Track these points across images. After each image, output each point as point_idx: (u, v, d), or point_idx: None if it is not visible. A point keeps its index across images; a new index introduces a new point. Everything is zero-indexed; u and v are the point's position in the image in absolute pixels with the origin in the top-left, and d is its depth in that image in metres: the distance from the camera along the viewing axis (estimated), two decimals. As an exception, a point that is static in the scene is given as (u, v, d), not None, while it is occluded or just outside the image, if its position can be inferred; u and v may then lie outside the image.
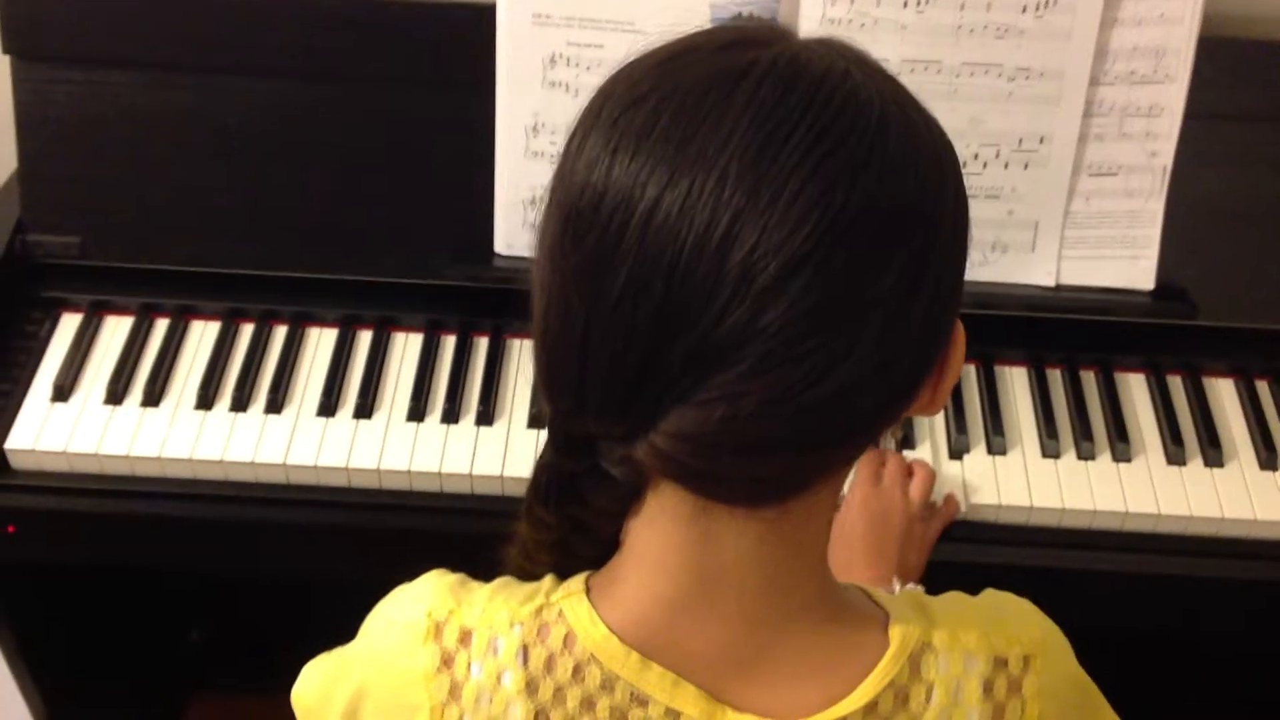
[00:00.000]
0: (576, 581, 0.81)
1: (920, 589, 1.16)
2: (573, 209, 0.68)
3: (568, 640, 0.78)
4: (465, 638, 0.80)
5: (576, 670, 0.78)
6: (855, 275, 0.66)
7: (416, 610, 0.82)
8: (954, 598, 0.88)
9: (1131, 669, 1.91)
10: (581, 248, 0.68)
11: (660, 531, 0.76)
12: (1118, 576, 1.37)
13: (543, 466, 0.79)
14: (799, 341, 0.65)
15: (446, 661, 0.80)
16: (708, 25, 1.32)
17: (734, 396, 0.66)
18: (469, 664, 0.79)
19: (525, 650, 0.78)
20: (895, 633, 0.80)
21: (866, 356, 0.67)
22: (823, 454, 0.72)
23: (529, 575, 0.84)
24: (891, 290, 0.67)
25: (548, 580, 0.82)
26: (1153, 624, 1.62)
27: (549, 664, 0.78)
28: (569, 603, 0.79)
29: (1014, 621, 0.86)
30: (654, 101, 0.67)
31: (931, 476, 1.35)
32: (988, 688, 0.81)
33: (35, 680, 1.62)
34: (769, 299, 0.64)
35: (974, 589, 0.92)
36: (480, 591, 0.83)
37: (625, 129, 0.68)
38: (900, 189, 0.68)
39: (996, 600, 0.89)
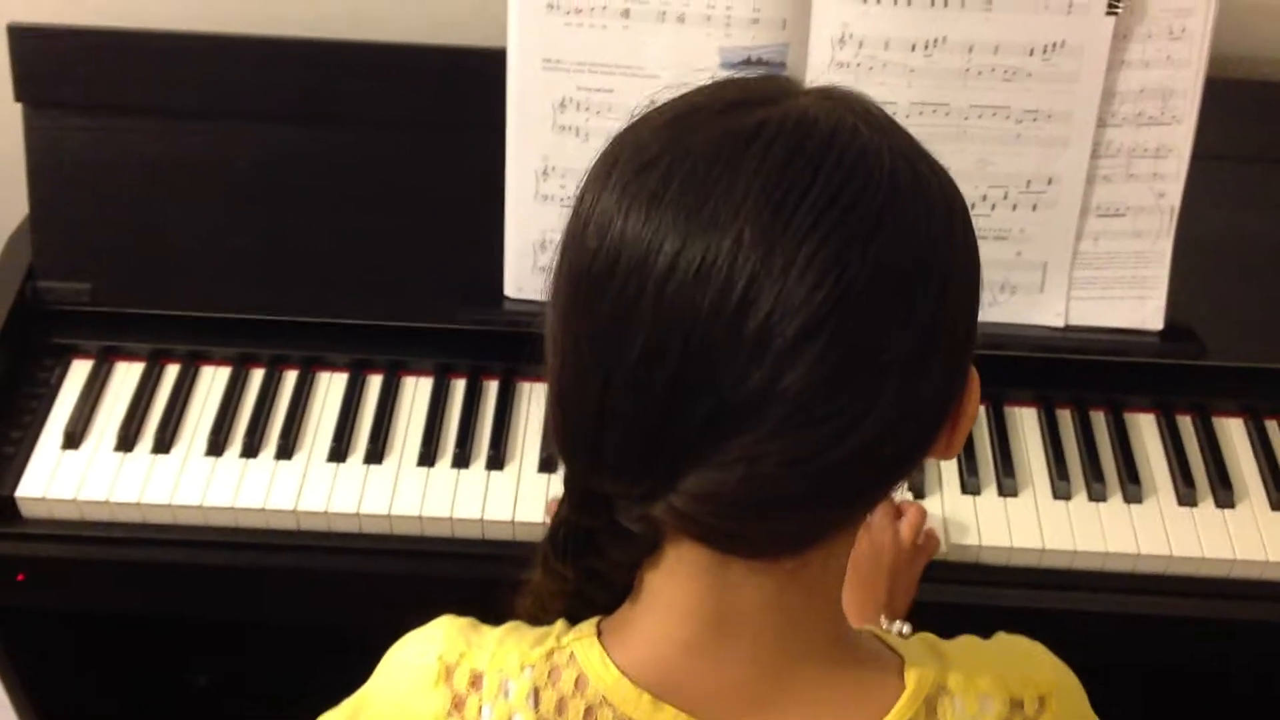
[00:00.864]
0: (588, 625, 0.81)
1: (908, 626, 1.17)
2: (586, 272, 0.68)
3: (579, 683, 0.78)
4: (476, 680, 0.80)
5: (588, 713, 0.78)
6: (873, 335, 0.66)
7: (428, 654, 0.82)
8: (967, 641, 0.88)
9: (1144, 708, 1.90)
10: (597, 311, 0.68)
11: (677, 580, 0.76)
12: (1130, 618, 1.37)
13: (560, 522, 0.79)
14: (819, 404, 0.65)
15: (457, 704, 0.80)
16: (717, 71, 1.34)
17: (754, 459, 0.66)
18: (480, 707, 0.79)
19: (536, 693, 0.78)
20: (911, 676, 0.80)
21: (886, 413, 0.67)
22: (843, 509, 0.73)
23: (540, 622, 0.84)
24: (909, 346, 0.67)
25: (559, 624, 0.82)
26: (1166, 665, 1.62)
27: (560, 707, 0.78)
28: (580, 645, 0.79)
29: (1028, 664, 0.86)
30: (665, 165, 0.67)
31: (922, 515, 1.35)
32: None
33: (41, 723, 1.62)
34: (787, 362, 0.64)
35: (986, 631, 0.91)
36: (491, 634, 0.83)
37: (637, 193, 0.67)
38: (913, 245, 0.67)
39: (1010, 643, 0.89)
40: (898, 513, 1.34)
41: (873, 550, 1.29)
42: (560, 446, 0.75)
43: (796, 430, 0.65)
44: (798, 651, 0.78)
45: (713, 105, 0.70)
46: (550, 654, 0.79)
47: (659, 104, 0.73)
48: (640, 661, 0.78)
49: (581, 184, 0.72)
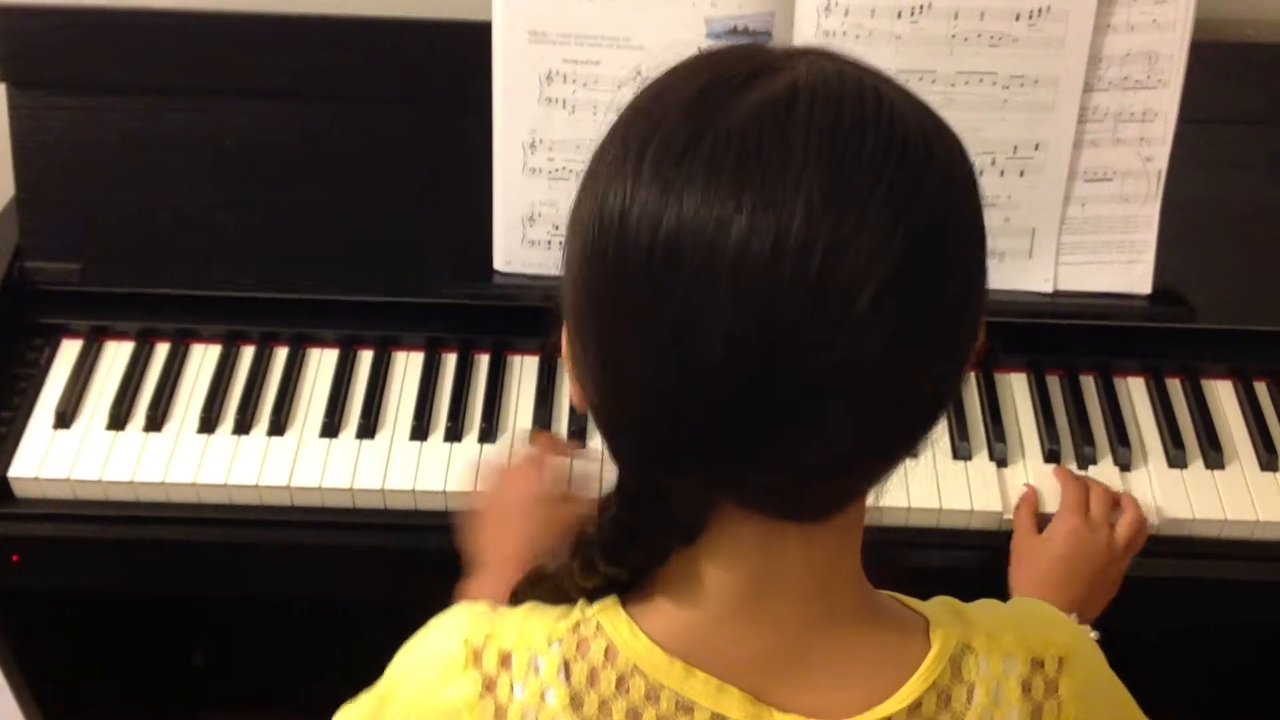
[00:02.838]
0: (611, 598, 0.81)
1: (1095, 633, 1.16)
2: (641, 270, 0.66)
3: (609, 653, 0.78)
4: (505, 660, 0.80)
5: (620, 682, 0.78)
6: (936, 284, 0.67)
7: (452, 639, 0.81)
8: (987, 604, 0.89)
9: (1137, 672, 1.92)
10: (663, 309, 0.65)
11: (719, 554, 0.76)
12: (1122, 580, 1.38)
13: (612, 523, 0.77)
14: (895, 357, 0.66)
15: (489, 686, 0.80)
16: (703, 41, 1.34)
17: (838, 424, 0.66)
18: (511, 685, 0.79)
19: (567, 666, 0.79)
20: (936, 636, 0.81)
21: (946, 358, 0.69)
22: (898, 455, 0.74)
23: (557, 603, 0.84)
24: (960, 291, 0.69)
25: (580, 601, 0.82)
26: (1155, 627, 1.63)
27: (592, 678, 0.78)
28: (606, 616, 0.79)
29: (1048, 625, 0.88)
30: (709, 144, 0.66)
31: (1138, 513, 1.34)
32: (1026, 688, 0.82)
33: (40, 705, 1.62)
34: (868, 322, 0.64)
35: (978, 596, 0.92)
36: (513, 614, 0.82)
37: (688, 178, 0.65)
38: (955, 195, 0.70)
39: (1028, 605, 0.92)
40: (1116, 503, 1.34)
41: (1088, 549, 1.29)
42: (626, 449, 0.73)
43: (877, 388, 0.66)
44: (827, 613, 0.79)
45: (731, 78, 0.69)
46: (577, 626, 0.79)
47: (654, 87, 0.72)
48: (670, 630, 0.78)
49: (593, 184, 0.70)
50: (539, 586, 0.84)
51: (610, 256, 0.68)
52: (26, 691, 1.59)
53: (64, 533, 1.37)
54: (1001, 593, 0.92)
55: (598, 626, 0.79)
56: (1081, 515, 1.31)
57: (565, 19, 1.37)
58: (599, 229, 0.68)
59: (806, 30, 1.37)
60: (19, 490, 1.37)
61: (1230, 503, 1.37)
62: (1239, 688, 1.95)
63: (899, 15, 1.36)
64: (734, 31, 1.36)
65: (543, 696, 0.78)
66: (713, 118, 0.67)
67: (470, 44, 1.40)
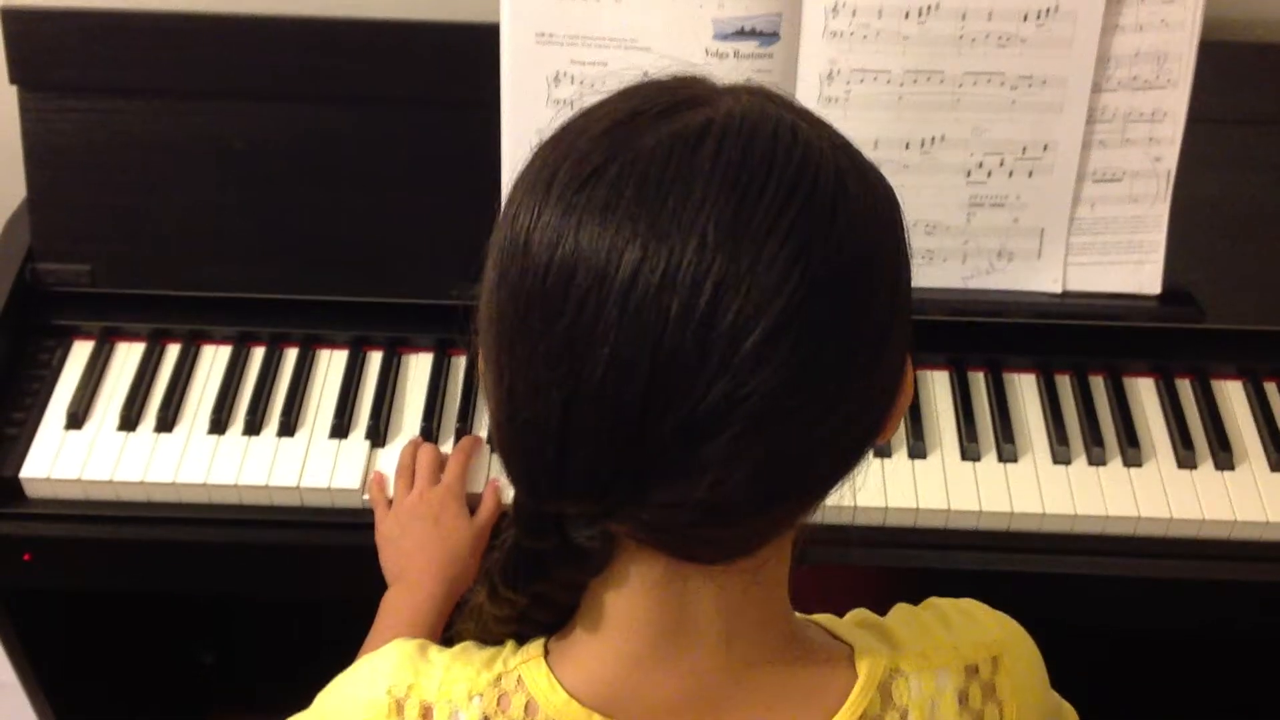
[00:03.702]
0: (535, 646, 0.80)
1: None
2: (537, 290, 0.66)
3: (529, 708, 0.78)
4: (426, 712, 0.79)
5: None
6: (837, 327, 0.66)
7: (376, 687, 0.81)
8: (906, 614, 0.88)
9: (1132, 671, 1.91)
10: (553, 330, 0.65)
11: (628, 594, 0.75)
12: (1130, 581, 1.38)
13: (509, 548, 0.77)
14: (787, 401, 0.65)
15: None
16: (711, 42, 1.34)
17: (723, 463, 0.65)
18: None
19: None
20: (862, 664, 0.80)
21: (849, 403, 0.67)
22: (803, 503, 0.73)
23: (489, 641, 0.83)
24: (869, 335, 0.68)
25: (508, 646, 0.82)
26: (1165, 627, 1.62)
27: None
28: (528, 669, 0.79)
29: (973, 627, 0.87)
30: (614, 172, 0.65)
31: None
32: (962, 699, 0.82)
33: (51, 703, 1.63)
34: (757, 362, 0.63)
35: (986, 597, 0.92)
36: (438, 660, 0.82)
37: (588, 204, 0.65)
38: (867, 235, 0.68)
39: (950, 609, 0.89)
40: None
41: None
42: (512, 469, 0.72)
43: (766, 430, 0.65)
44: (751, 655, 0.78)
45: (649, 109, 0.68)
46: (498, 679, 0.79)
47: (581, 112, 0.72)
48: (589, 680, 0.78)
49: (510, 200, 0.70)
50: (467, 619, 0.84)
51: (512, 274, 0.68)
52: (38, 689, 1.60)
53: (75, 533, 1.38)
54: (1004, 591, 0.92)
55: (519, 680, 0.78)
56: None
57: (573, 20, 1.37)
58: (507, 245, 0.68)
59: (813, 30, 1.37)
60: (31, 490, 1.38)
61: (1240, 504, 1.37)
62: (1246, 689, 1.94)
63: (906, 16, 1.36)
64: (741, 33, 1.36)
65: None
66: (622, 146, 0.66)
67: (478, 45, 1.40)
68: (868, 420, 0.71)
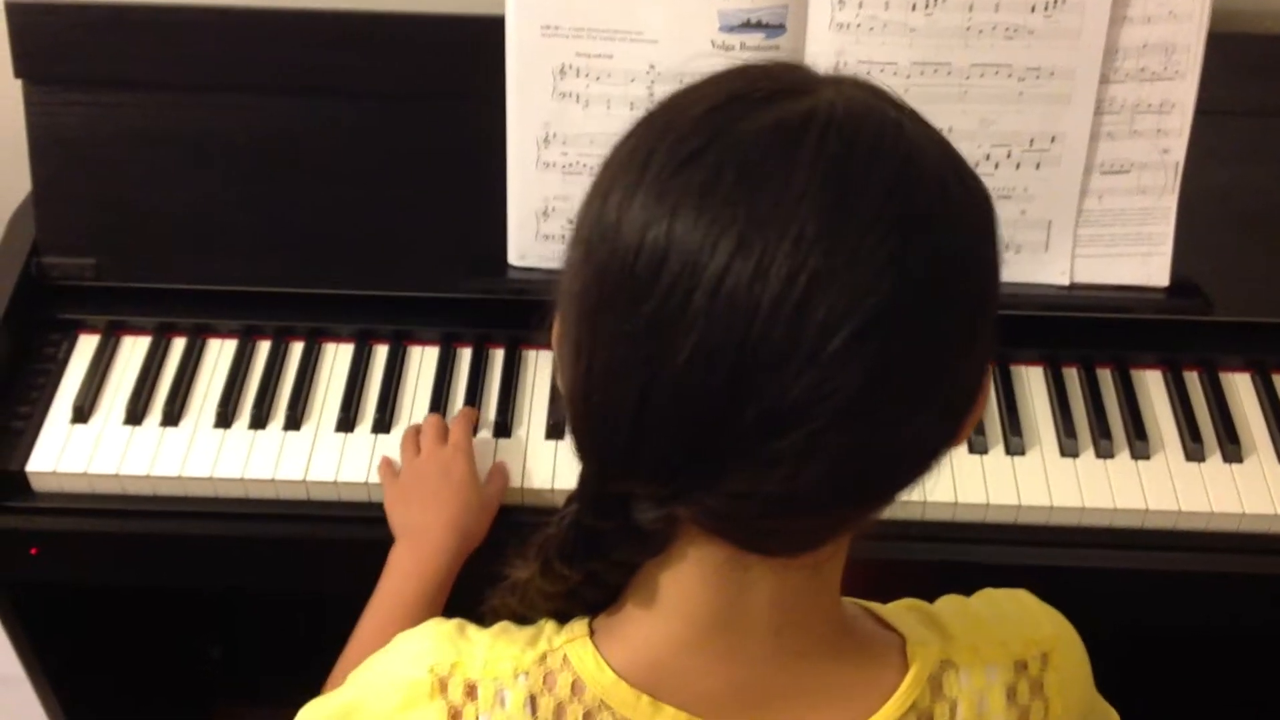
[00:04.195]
0: (580, 625, 0.80)
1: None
2: (626, 272, 0.65)
3: (575, 687, 0.78)
4: (471, 690, 0.79)
5: (587, 717, 0.77)
6: (928, 329, 0.65)
7: (418, 666, 0.81)
8: (958, 605, 0.88)
9: (1146, 667, 1.91)
10: (639, 313, 0.65)
11: (686, 579, 0.75)
12: (1138, 574, 1.37)
13: (571, 524, 0.76)
14: (871, 400, 0.64)
15: (454, 716, 0.79)
16: (717, 32, 1.34)
17: (800, 456, 0.64)
18: (477, 716, 0.79)
19: (533, 700, 0.78)
20: (915, 656, 0.80)
21: (930, 407, 0.67)
22: (873, 503, 0.72)
23: (524, 621, 0.83)
24: (958, 340, 0.67)
25: (548, 625, 0.81)
26: (1174, 622, 1.62)
27: (558, 713, 0.78)
28: (573, 648, 0.79)
29: (1025, 622, 0.87)
30: (713, 156, 0.64)
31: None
32: (1011, 694, 0.82)
33: (58, 696, 1.63)
34: (844, 360, 0.62)
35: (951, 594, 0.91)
36: (480, 639, 0.82)
37: (684, 187, 0.64)
38: (963, 239, 0.67)
39: (1002, 600, 0.89)
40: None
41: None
42: (584, 447, 0.72)
43: (848, 427, 0.64)
44: (801, 647, 0.78)
45: (752, 94, 0.67)
46: (543, 658, 0.79)
47: (679, 93, 0.71)
48: (638, 662, 0.78)
49: (603, 177, 0.70)
50: (508, 593, 0.83)
51: (601, 251, 0.67)
52: (45, 682, 1.60)
53: (81, 527, 1.38)
54: (1011, 584, 0.91)
55: (564, 659, 0.78)
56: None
57: (578, 13, 1.37)
58: (596, 222, 0.68)
59: (820, 22, 1.36)
60: (37, 484, 1.38)
61: (1248, 496, 1.36)
62: (1254, 684, 1.94)
63: (913, 7, 1.35)
64: (747, 25, 1.35)
65: None
66: (723, 131, 0.65)
67: (484, 38, 1.40)
68: (946, 424, 0.70)
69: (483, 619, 0.86)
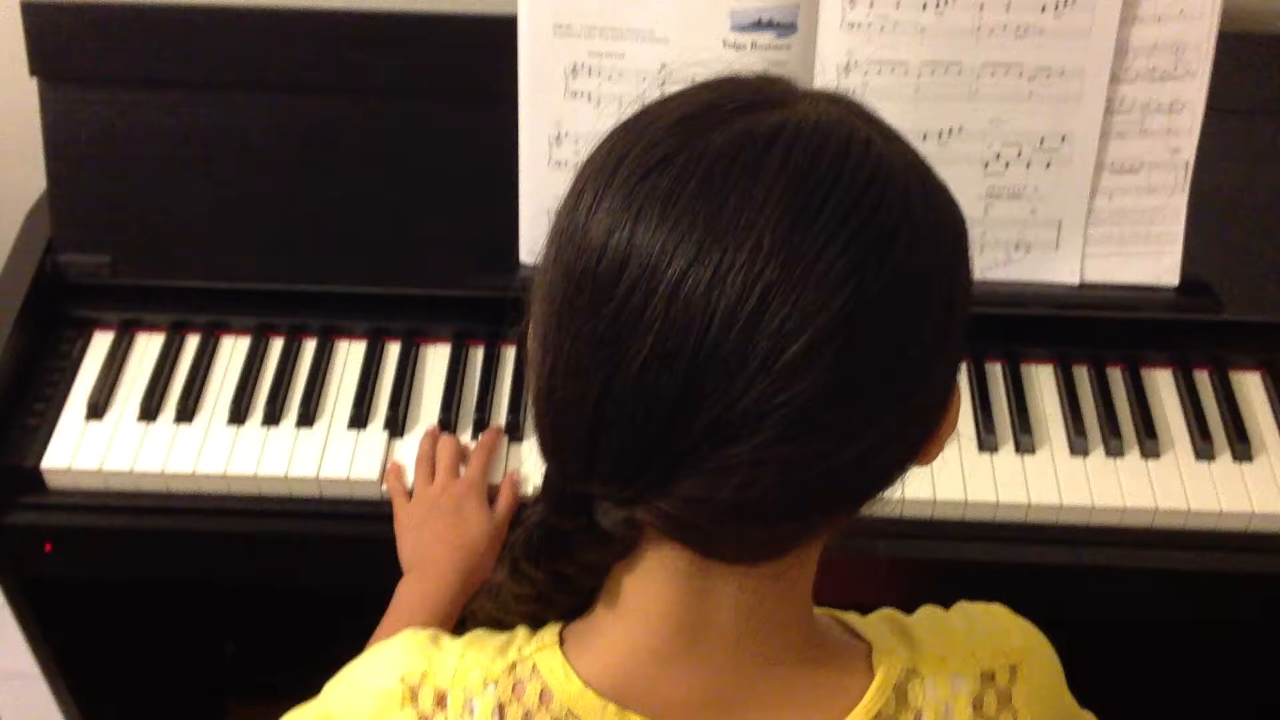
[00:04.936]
0: (550, 633, 0.81)
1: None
2: (590, 272, 0.66)
3: (543, 696, 0.78)
4: (441, 699, 0.79)
5: None
6: (883, 346, 0.65)
7: (390, 676, 0.81)
8: (931, 617, 0.88)
9: (1146, 666, 1.91)
10: (600, 314, 0.66)
11: (651, 584, 0.75)
12: (1147, 573, 1.37)
13: (534, 524, 0.78)
14: (822, 414, 0.64)
15: None
16: (728, 31, 1.34)
17: (752, 465, 0.65)
18: None
19: (501, 709, 0.78)
20: (880, 665, 0.81)
21: (886, 425, 0.67)
22: (831, 516, 0.73)
23: (501, 625, 0.84)
24: (915, 358, 0.67)
25: (520, 632, 0.82)
26: (1183, 620, 1.62)
27: None
28: (542, 657, 0.79)
29: (996, 634, 0.86)
30: (679, 165, 0.66)
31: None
32: (977, 705, 0.82)
33: (72, 692, 1.63)
34: (796, 372, 0.63)
35: (1003, 588, 0.92)
36: (451, 649, 0.82)
37: (649, 193, 0.66)
38: (926, 259, 0.67)
39: (976, 613, 0.89)
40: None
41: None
42: (546, 447, 0.73)
43: (797, 439, 0.65)
44: (767, 655, 0.78)
45: (725, 104, 0.68)
46: (513, 667, 0.79)
47: (661, 99, 0.72)
48: (605, 670, 0.78)
49: (578, 179, 0.71)
50: (485, 597, 0.84)
51: (568, 251, 0.68)
52: (59, 679, 1.60)
53: (96, 523, 1.39)
54: (1020, 582, 0.92)
55: (533, 668, 0.79)
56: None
57: (590, 12, 1.37)
58: (567, 223, 0.69)
59: (831, 22, 1.36)
60: (52, 481, 1.39)
61: (1258, 496, 1.36)
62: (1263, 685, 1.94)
63: (924, 7, 1.36)
64: (758, 24, 1.36)
65: None
66: (692, 138, 0.66)
67: (496, 37, 1.40)
68: (905, 442, 0.70)
69: (464, 624, 0.86)
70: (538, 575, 0.79)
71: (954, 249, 0.70)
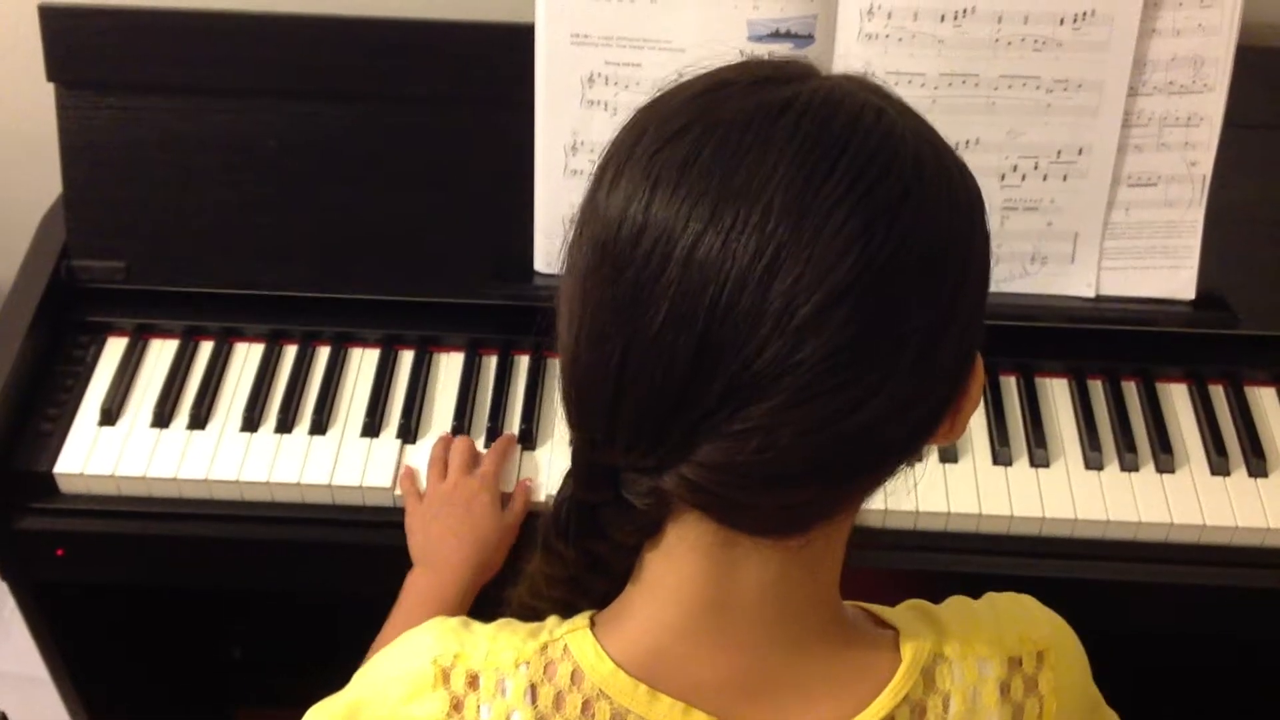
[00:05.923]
0: (581, 618, 0.81)
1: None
2: (610, 241, 0.69)
3: (575, 676, 0.79)
4: (473, 680, 0.80)
5: (586, 706, 0.78)
6: (893, 310, 0.67)
7: (422, 659, 0.82)
8: (959, 604, 0.89)
9: (1163, 681, 1.90)
10: (620, 280, 0.68)
11: (677, 562, 0.76)
12: (1163, 588, 1.37)
13: (562, 499, 0.79)
14: (835, 374, 0.66)
15: (456, 706, 0.80)
16: (745, 44, 1.34)
17: (769, 428, 0.67)
18: (478, 706, 0.80)
19: (533, 689, 0.79)
20: (907, 648, 0.81)
21: (899, 389, 0.68)
22: (851, 484, 0.73)
23: (534, 615, 0.84)
24: (925, 325, 0.68)
25: (551, 618, 0.82)
26: (1198, 634, 1.62)
27: (558, 701, 0.79)
28: (574, 638, 0.80)
29: (1023, 620, 0.87)
30: (694, 135, 0.68)
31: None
32: (1004, 690, 0.82)
33: (81, 696, 1.64)
34: (809, 332, 0.65)
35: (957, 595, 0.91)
36: (482, 632, 0.83)
37: (665, 163, 0.68)
38: (937, 226, 0.69)
39: (1003, 601, 0.90)
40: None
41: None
42: (572, 416, 0.75)
43: (812, 400, 0.66)
44: (795, 635, 0.78)
45: (742, 80, 0.71)
46: (544, 648, 0.80)
47: (682, 80, 0.74)
48: (635, 651, 0.78)
49: (604, 157, 0.73)
50: (519, 583, 0.86)
51: (593, 224, 0.71)
52: (68, 682, 1.61)
53: (108, 528, 1.39)
54: (1045, 600, 0.91)
55: (565, 649, 0.79)
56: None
57: (607, 21, 1.37)
58: (591, 198, 0.72)
59: (848, 33, 1.36)
60: (64, 486, 1.39)
61: (1274, 511, 1.36)
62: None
63: (942, 19, 1.35)
64: (776, 34, 1.36)
65: (509, 718, 0.79)
66: (707, 111, 0.69)
67: (513, 46, 1.40)
68: (920, 412, 0.71)
69: (494, 615, 0.87)
70: (569, 553, 0.80)
71: (968, 220, 0.72)
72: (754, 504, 0.71)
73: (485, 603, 0.86)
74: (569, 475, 0.79)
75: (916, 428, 0.72)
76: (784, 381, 0.66)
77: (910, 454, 0.74)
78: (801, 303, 0.65)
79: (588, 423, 0.74)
